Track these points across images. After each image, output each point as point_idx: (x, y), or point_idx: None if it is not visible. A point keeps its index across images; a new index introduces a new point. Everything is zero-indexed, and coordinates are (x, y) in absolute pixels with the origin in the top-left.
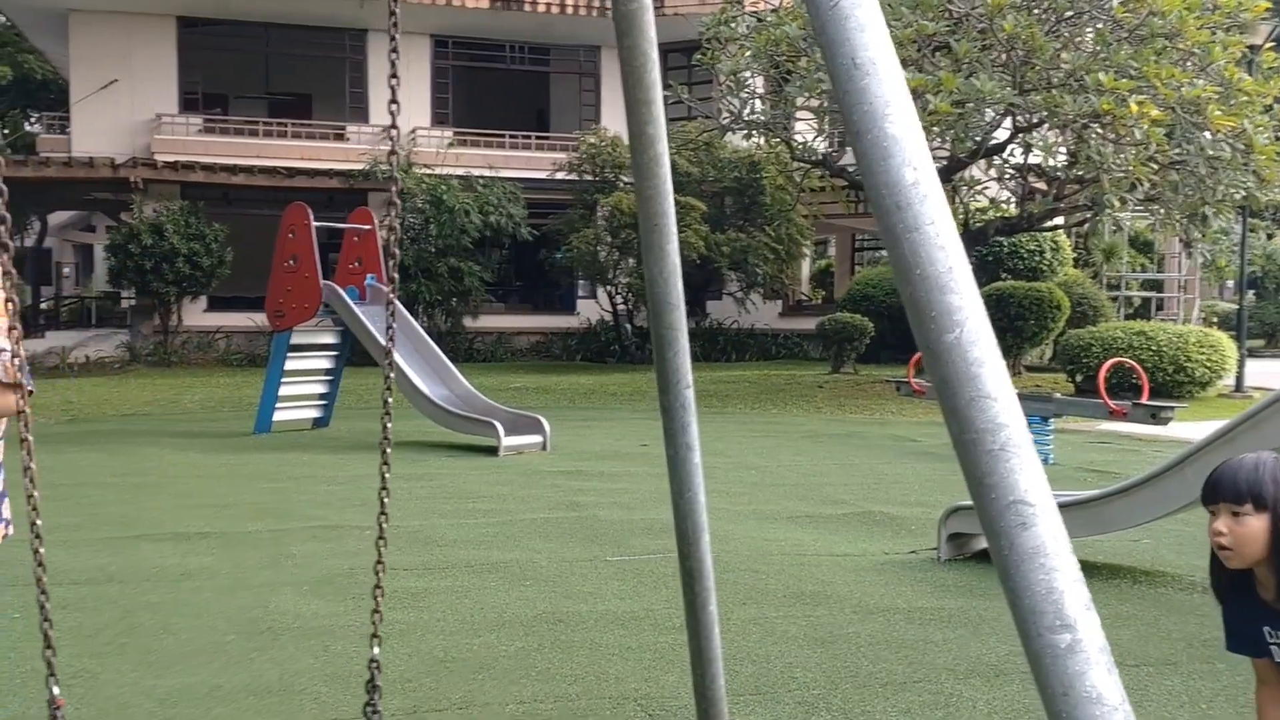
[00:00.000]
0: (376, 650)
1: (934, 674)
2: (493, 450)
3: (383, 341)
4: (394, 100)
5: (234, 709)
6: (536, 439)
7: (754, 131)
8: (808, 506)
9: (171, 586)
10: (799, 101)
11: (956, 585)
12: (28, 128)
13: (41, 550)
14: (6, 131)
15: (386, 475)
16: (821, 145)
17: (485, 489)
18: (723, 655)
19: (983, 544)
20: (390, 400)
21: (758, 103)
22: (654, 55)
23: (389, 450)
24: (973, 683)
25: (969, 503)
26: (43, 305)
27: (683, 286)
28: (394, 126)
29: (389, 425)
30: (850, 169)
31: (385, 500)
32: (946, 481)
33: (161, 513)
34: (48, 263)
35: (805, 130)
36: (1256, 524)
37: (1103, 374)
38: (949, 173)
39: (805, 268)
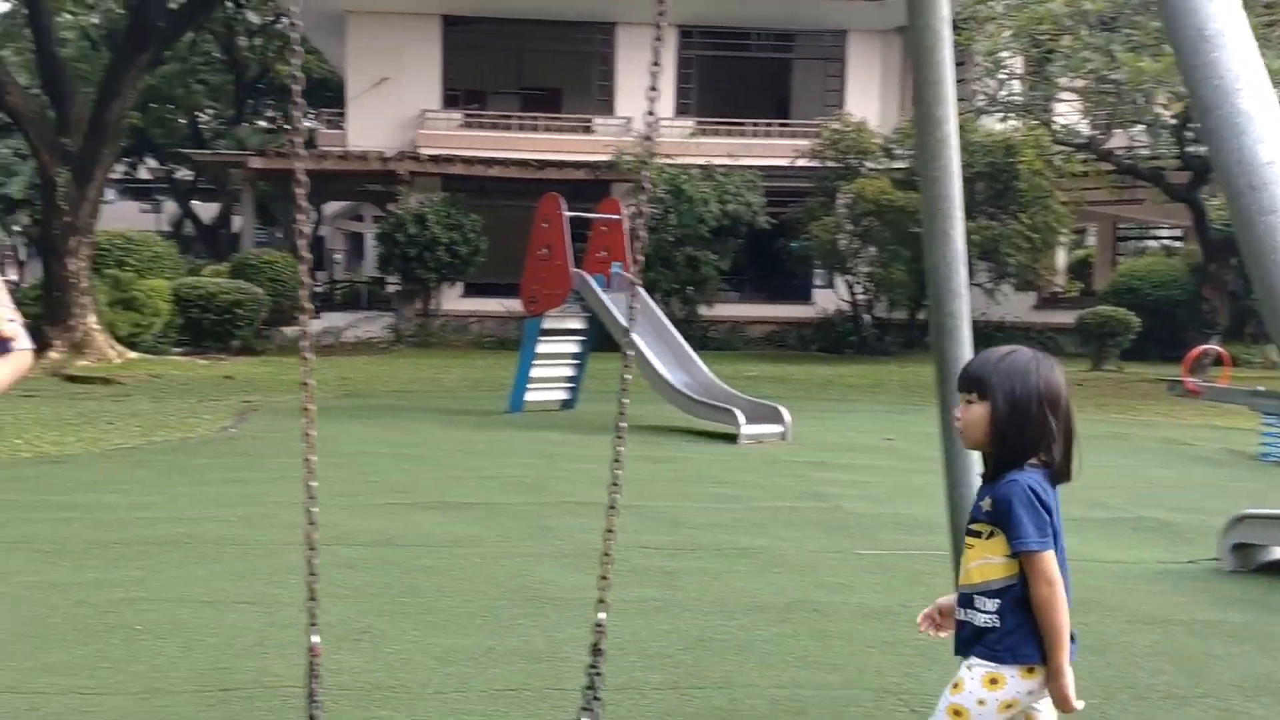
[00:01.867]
0: (603, 616)
1: (1219, 689)
2: (732, 438)
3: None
4: (653, 87)
5: (507, 670)
6: (777, 428)
7: (1011, 114)
8: (1071, 509)
9: (444, 552)
10: (1062, 82)
11: (1241, 598)
12: (308, 124)
13: (314, 509)
14: (289, 127)
15: (621, 450)
16: (1085, 128)
17: (728, 475)
18: None
19: (1271, 556)
20: (629, 378)
21: (1016, 84)
22: (946, 34)
23: (624, 425)
24: (1263, 700)
25: (1257, 510)
26: (318, 289)
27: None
28: (651, 112)
29: (625, 403)
30: (1119, 152)
31: (618, 474)
32: (1225, 488)
33: (431, 482)
34: (322, 249)
35: (1067, 112)
36: (979, 410)
37: None
38: None
39: (1061, 257)
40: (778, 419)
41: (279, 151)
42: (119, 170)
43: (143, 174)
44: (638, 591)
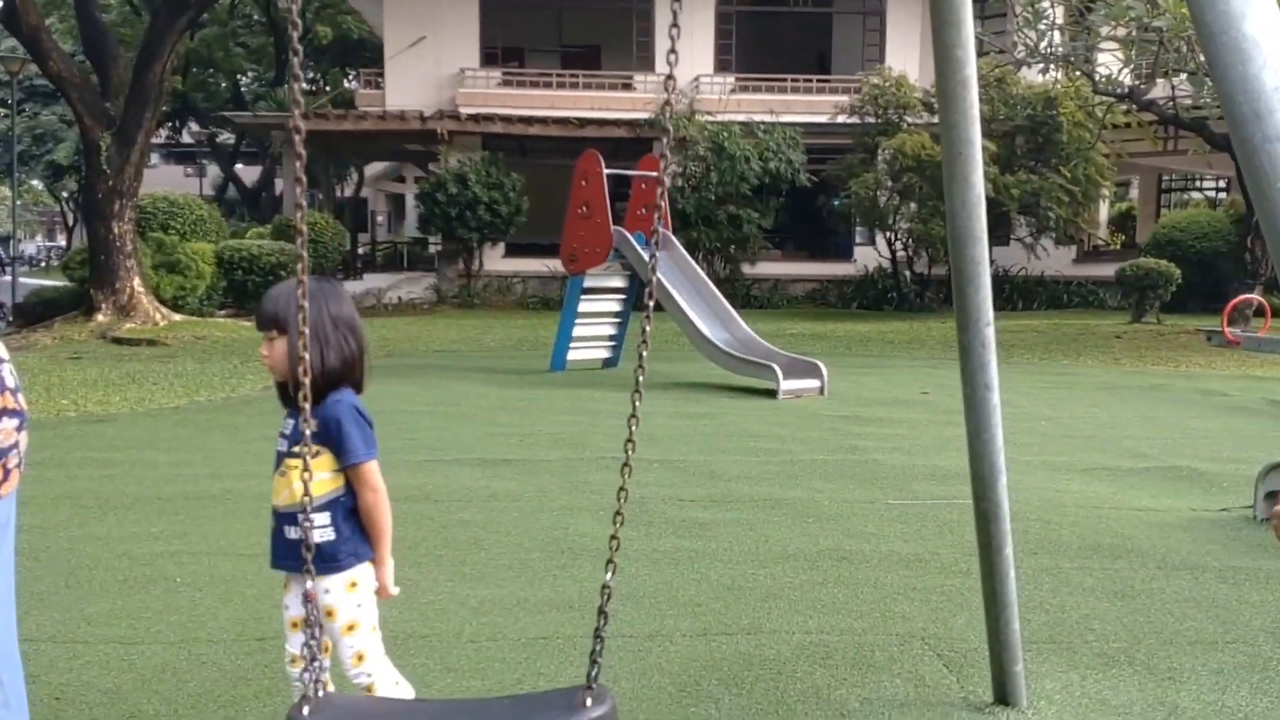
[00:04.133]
0: (610, 576)
1: (1249, 635)
2: (771, 393)
3: (668, 286)
4: (672, 50)
5: (540, 620)
6: (814, 384)
7: (1052, 65)
8: (1104, 459)
9: (481, 506)
10: (1103, 31)
11: (1275, 545)
12: (346, 84)
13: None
14: (329, 89)
15: (638, 404)
16: (1128, 78)
17: (765, 429)
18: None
19: None
20: (649, 329)
21: (1056, 34)
22: None
23: (642, 380)
24: None
25: None
26: (360, 250)
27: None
28: (671, 77)
29: (645, 355)
30: (1161, 102)
31: (634, 428)
32: (1263, 438)
33: (470, 439)
34: (364, 211)
35: (1109, 62)
36: (281, 345)
37: None
38: None
39: (1103, 210)
40: (816, 374)
41: (319, 113)
42: (162, 135)
43: (185, 138)
44: (672, 542)
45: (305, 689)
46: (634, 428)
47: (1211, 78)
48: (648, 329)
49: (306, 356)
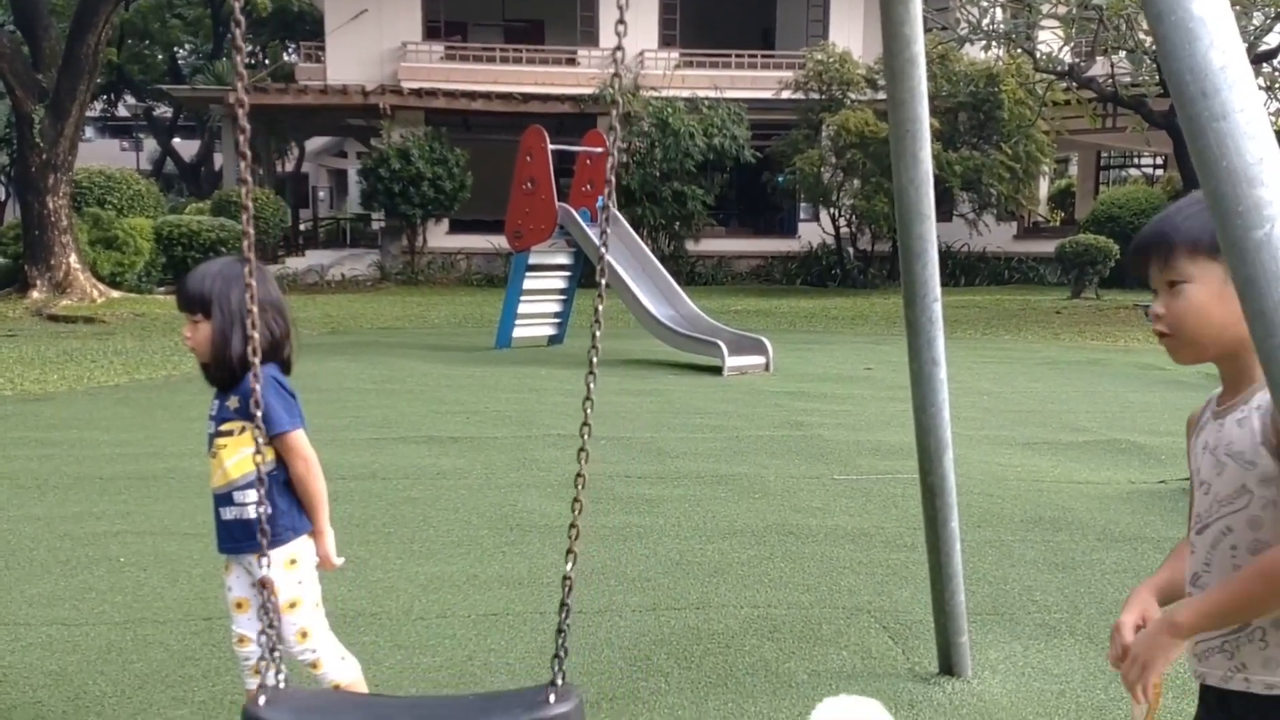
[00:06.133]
0: (570, 567)
1: None
2: (717, 370)
3: (614, 263)
4: (621, 21)
5: (489, 596)
6: (760, 360)
7: (993, 42)
8: (1045, 433)
9: (429, 484)
10: (1044, 9)
11: None
12: (286, 58)
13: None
14: (268, 62)
15: (592, 385)
16: (1068, 56)
17: (711, 406)
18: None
19: None
20: (601, 307)
21: (998, 11)
22: None
23: (595, 360)
24: None
25: None
26: (302, 227)
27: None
28: (619, 49)
29: (598, 334)
30: (1101, 80)
31: (588, 411)
32: None
33: (417, 417)
34: (305, 186)
35: (1050, 40)
36: (206, 328)
37: None
38: None
39: (1044, 187)
40: (761, 351)
41: (258, 86)
42: (97, 108)
43: (122, 112)
44: (620, 518)
45: (261, 675)
46: (589, 410)
47: (1159, 57)
48: (600, 308)
49: (256, 335)
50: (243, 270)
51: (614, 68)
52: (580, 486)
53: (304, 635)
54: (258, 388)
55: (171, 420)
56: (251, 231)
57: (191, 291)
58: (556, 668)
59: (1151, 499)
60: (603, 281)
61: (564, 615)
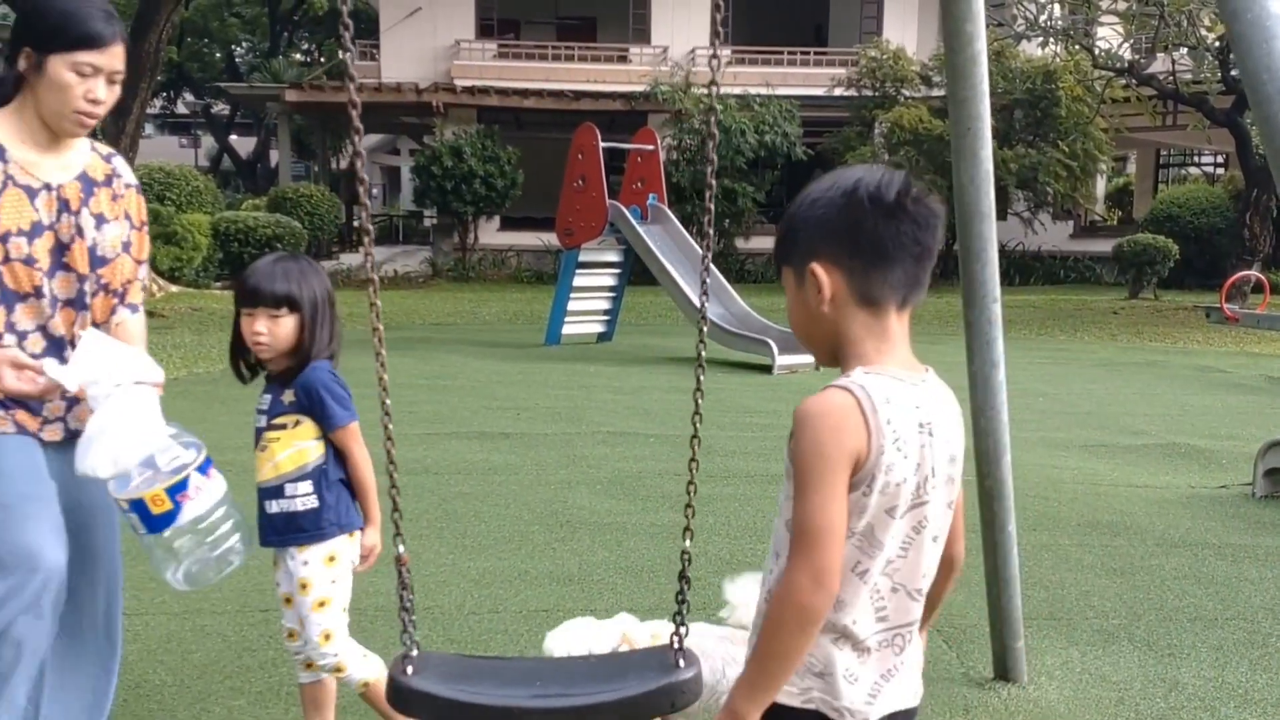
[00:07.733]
0: (688, 543)
1: (1249, 612)
2: (767, 368)
3: (663, 260)
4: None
5: (540, 592)
6: (810, 359)
7: (1051, 39)
8: (1103, 436)
9: (480, 479)
10: (1103, 5)
11: (1274, 523)
12: (341, 56)
13: (389, 424)
14: (324, 60)
15: (701, 377)
16: (1127, 52)
17: (761, 404)
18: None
19: None
20: (705, 303)
21: (1056, 8)
22: None
23: (703, 352)
24: None
25: None
26: (355, 223)
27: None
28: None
29: (705, 329)
30: (1161, 77)
31: (697, 424)
32: (1260, 414)
33: (468, 413)
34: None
35: (1109, 36)
36: (290, 322)
37: None
38: None
39: (1101, 186)
40: None
41: (314, 84)
42: (157, 105)
43: (180, 109)
44: (670, 516)
45: (405, 646)
46: (699, 400)
47: (1235, 54)
48: (705, 303)
49: (333, 329)
50: (311, 265)
51: (668, 67)
52: (695, 447)
53: (327, 638)
54: (384, 375)
55: (229, 414)
56: (371, 228)
57: (279, 288)
58: (678, 637)
59: (1212, 504)
60: (706, 273)
61: (683, 586)
